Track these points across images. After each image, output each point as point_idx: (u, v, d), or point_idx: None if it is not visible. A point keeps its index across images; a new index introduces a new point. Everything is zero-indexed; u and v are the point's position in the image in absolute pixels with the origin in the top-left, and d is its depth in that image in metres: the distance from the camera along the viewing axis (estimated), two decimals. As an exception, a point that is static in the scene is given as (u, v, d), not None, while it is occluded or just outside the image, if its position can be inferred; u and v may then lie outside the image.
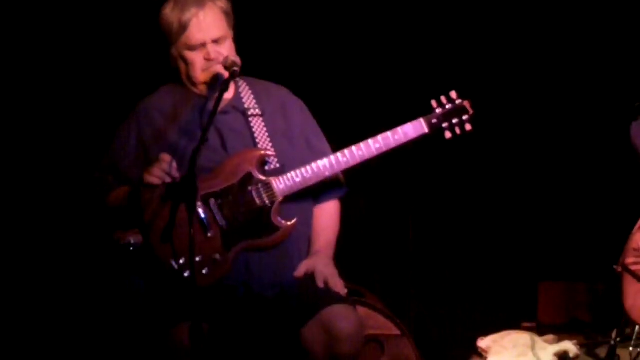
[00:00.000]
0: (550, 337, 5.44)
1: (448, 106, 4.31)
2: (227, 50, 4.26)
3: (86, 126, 5.74)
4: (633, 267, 4.84)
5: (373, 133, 4.30)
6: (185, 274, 4.09)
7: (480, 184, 6.24)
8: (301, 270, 4.27)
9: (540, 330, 5.75)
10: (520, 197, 6.22)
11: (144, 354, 4.18)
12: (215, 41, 4.24)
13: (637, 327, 5.06)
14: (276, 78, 4.52)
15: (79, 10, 5.74)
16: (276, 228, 4.22)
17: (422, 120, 4.29)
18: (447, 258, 6.29)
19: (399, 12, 6.11)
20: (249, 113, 4.33)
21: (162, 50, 4.34)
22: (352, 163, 4.27)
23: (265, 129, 4.31)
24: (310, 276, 4.24)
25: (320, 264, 4.27)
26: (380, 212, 6.29)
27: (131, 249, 4.14)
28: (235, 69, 4.17)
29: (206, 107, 4.28)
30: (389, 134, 4.28)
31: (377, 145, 4.27)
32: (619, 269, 4.87)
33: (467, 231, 6.25)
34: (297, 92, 4.49)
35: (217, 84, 4.24)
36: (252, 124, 4.31)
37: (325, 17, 6.06)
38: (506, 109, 6.15)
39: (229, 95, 4.34)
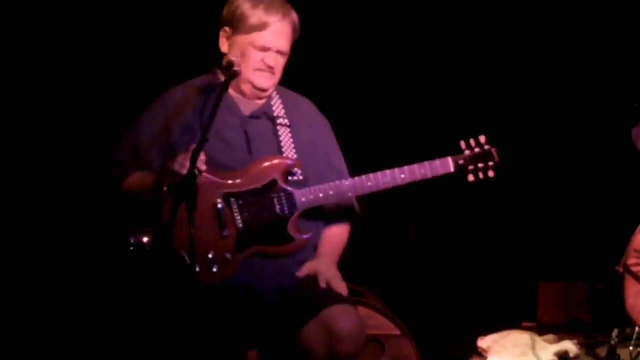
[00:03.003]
0: (550, 336, 5.44)
1: (476, 150, 4.33)
2: (283, 64, 4.28)
3: (92, 123, 5.74)
4: (634, 268, 4.85)
5: (392, 163, 4.32)
6: (197, 269, 4.09)
7: (481, 184, 6.23)
8: (303, 270, 4.27)
9: (540, 330, 5.75)
10: (520, 197, 6.22)
11: (142, 354, 4.18)
12: (279, 52, 4.25)
13: (637, 327, 5.06)
14: (310, 97, 4.53)
15: (90, 7, 5.76)
16: (291, 239, 4.23)
17: (449, 159, 4.31)
18: (447, 258, 6.29)
19: (436, 48, 6.16)
20: (278, 122, 4.33)
21: (211, 31, 4.31)
22: (374, 189, 4.29)
23: (291, 139, 4.32)
24: (312, 276, 4.24)
25: (323, 265, 4.28)
26: (381, 212, 6.29)
27: (131, 248, 4.14)
28: (235, 68, 4.17)
29: (240, 109, 4.29)
30: (415, 166, 4.30)
31: (402, 176, 4.28)
32: (621, 270, 4.87)
33: (467, 231, 6.26)
34: (328, 115, 4.50)
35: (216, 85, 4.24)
36: (279, 133, 4.32)
37: (363, 44, 6.11)
38: (507, 110, 6.16)
39: (261, 100, 4.34)
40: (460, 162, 4.32)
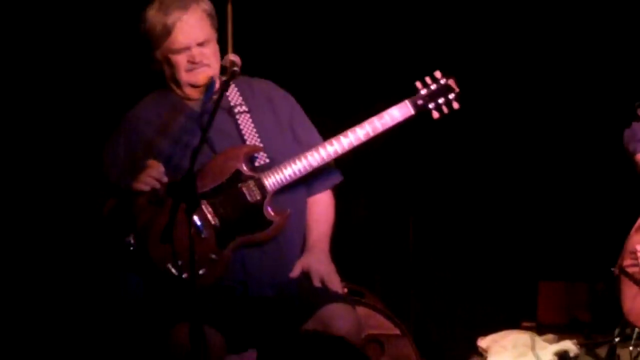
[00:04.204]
0: (550, 336, 5.44)
1: (433, 86, 4.30)
2: (211, 52, 4.24)
3: (84, 128, 5.74)
4: (630, 270, 4.85)
5: (361, 119, 4.28)
6: (184, 276, 4.09)
7: (481, 184, 6.24)
8: (296, 269, 4.26)
9: (540, 330, 5.75)
10: (520, 197, 6.23)
11: (143, 354, 4.18)
12: (200, 44, 4.21)
13: (637, 328, 5.05)
14: (258, 70, 4.48)
15: (70, 16, 5.75)
16: (269, 222, 4.21)
17: (407, 102, 4.28)
18: (447, 258, 6.29)
19: None
20: (235, 110, 4.30)
21: (145, 53, 4.30)
22: (340, 152, 4.25)
23: (252, 124, 4.28)
24: (307, 275, 4.23)
25: (315, 261, 4.26)
26: (381, 212, 6.29)
27: (131, 248, 4.14)
28: (235, 68, 4.15)
29: (193, 110, 4.27)
30: (374, 119, 4.26)
31: (364, 131, 4.25)
32: (617, 272, 4.87)
33: (467, 231, 6.26)
34: (280, 83, 4.45)
35: (211, 87, 4.21)
36: (239, 122, 4.28)
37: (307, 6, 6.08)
38: (506, 109, 6.16)
39: (214, 95, 4.27)
40: (419, 102, 4.29)
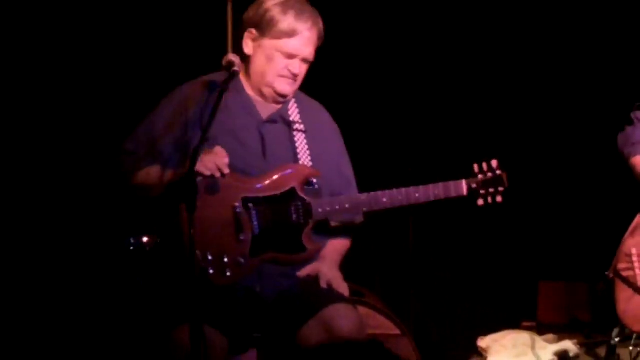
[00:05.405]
0: (550, 336, 5.44)
1: (489, 174, 4.32)
2: (305, 71, 4.28)
3: (95, 125, 5.75)
4: (625, 273, 4.85)
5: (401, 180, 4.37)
6: (211, 271, 4.09)
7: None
8: (305, 270, 4.28)
9: (540, 329, 5.76)
10: (520, 198, 6.21)
11: (144, 354, 4.18)
12: (304, 60, 4.25)
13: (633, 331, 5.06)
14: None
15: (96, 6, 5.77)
16: (304, 248, 4.24)
17: (464, 183, 4.31)
18: (447, 258, 6.30)
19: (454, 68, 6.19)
20: (294, 127, 4.34)
21: (244, 30, 4.28)
22: (389, 205, 4.31)
23: (307, 146, 4.33)
24: (312, 276, 4.25)
25: (325, 267, 4.29)
26: (381, 212, 6.29)
27: (131, 248, 4.14)
28: (235, 69, 4.16)
29: (255, 109, 4.30)
30: (430, 186, 4.30)
31: (417, 195, 4.30)
32: (611, 275, 4.87)
33: (467, 231, 6.26)
34: (344, 127, 4.52)
35: (229, 67, 4.18)
36: (295, 138, 4.32)
37: (381, 60, 6.17)
38: (506, 110, 6.16)
39: (278, 104, 4.34)
40: (473, 186, 4.31)
